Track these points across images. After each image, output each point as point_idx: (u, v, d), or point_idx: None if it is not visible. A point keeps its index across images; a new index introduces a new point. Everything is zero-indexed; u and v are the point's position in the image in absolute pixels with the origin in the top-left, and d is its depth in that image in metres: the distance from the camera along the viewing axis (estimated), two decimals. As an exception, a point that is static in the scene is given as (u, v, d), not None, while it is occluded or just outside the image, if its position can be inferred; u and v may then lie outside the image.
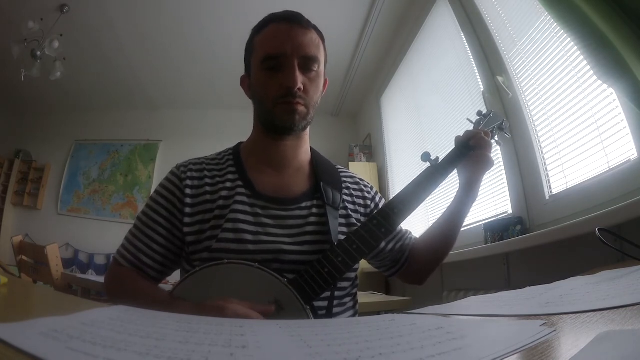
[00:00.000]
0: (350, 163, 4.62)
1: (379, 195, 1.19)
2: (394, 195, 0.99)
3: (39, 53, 3.74)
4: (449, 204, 1.12)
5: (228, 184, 1.01)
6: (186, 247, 0.97)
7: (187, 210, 0.97)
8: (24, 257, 2.65)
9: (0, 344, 0.27)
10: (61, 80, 4.10)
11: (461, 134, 1.11)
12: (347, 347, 0.34)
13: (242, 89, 1.11)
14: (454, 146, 1.09)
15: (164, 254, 0.98)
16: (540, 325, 0.38)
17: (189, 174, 1.02)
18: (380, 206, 1.10)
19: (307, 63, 0.98)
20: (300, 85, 0.95)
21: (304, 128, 1.04)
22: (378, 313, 1.98)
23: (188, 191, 0.99)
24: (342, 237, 0.93)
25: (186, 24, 4.12)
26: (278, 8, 1.04)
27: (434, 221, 1.16)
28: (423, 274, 1.18)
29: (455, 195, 1.11)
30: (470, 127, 1.18)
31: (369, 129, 5.15)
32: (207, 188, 1.00)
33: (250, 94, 1.07)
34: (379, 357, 0.30)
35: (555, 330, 0.36)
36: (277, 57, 0.96)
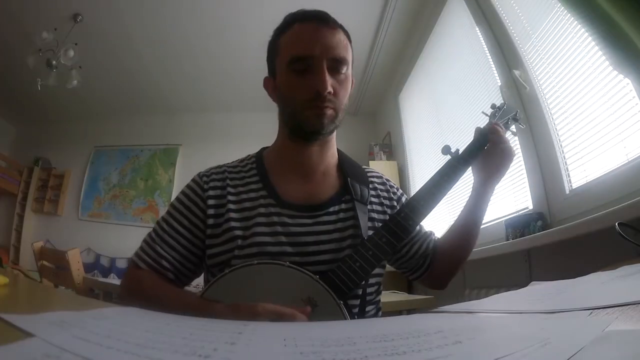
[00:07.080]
0: (371, 162, 4.61)
1: (405, 196, 1.17)
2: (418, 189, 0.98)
3: (54, 62, 3.79)
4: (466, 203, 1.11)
5: (252, 194, 0.99)
6: (207, 258, 0.96)
7: (210, 221, 0.96)
8: (45, 262, 2.69)
9: (13, 328, 0.31)
10: (78, 88, 4.17)
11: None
12: (335, 349, 0.33)
13: (262, 91, 1.07)
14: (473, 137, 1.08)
15: (184, 263, 0.97)
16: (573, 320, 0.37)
17: (211, 184, 1.01)
18: None
19: (336, 65, 0.94)
20: (330, 89, 0.91)
21: (332, 131, 1.00)
22: (400, 312, 1.97)
23: (211, 202, 0.98)
24: (371, 233, 0.92)
25: (203, 27, 4.13)
26: (296, 7, 1.01)
27: (453, 222, 1.14)
28: (444, 277, 1.16)
29: (471, 194, 1.10)
30: (486, 120, 1.19)
31: (388, 127, 5.13)
32: (230, 197, 0.99)
33: (275, 96, 1.03)
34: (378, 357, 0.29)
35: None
36: (305, 59, 0.92)
